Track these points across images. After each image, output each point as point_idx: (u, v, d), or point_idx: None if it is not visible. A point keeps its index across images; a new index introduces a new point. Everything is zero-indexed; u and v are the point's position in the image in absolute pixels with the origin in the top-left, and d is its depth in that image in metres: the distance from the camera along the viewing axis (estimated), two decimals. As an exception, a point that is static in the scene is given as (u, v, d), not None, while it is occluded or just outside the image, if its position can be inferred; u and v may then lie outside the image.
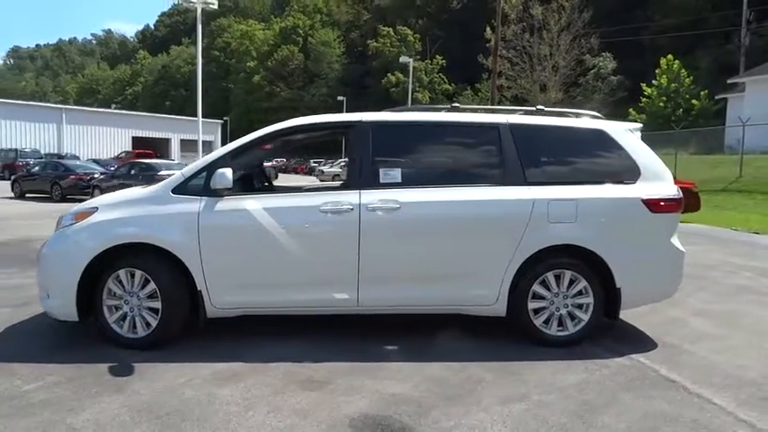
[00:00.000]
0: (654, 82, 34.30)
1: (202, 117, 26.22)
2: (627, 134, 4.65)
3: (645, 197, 4.43)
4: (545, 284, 4.42)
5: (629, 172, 4.55)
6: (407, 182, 4.39)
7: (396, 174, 4.39)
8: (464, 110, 4.91)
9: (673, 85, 33.44)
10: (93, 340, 4.35)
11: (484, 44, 39.84)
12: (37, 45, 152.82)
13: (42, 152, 35.41)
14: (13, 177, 22.72)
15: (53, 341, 4.46)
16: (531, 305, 4.42)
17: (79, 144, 42.03)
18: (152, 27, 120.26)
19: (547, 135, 4.65)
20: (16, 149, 34.22)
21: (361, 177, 4.38)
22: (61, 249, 4.30)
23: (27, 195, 20.19)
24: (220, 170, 4.16)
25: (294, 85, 68.56)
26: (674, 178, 4.71)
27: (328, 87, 65.76)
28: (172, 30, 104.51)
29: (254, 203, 4.27)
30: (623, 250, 4.40)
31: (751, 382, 3.86)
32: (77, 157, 33.88)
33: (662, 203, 4.46)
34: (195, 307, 4.29)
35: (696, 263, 8.80)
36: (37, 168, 21.68)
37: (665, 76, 33.74)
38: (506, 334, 4.61)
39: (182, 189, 4.31)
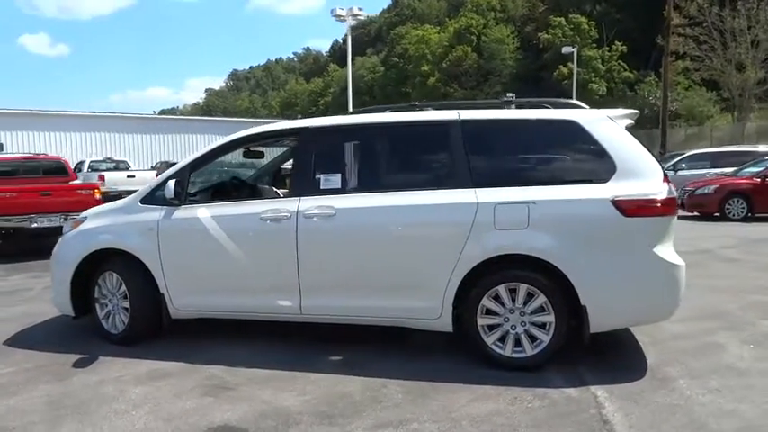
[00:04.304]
0: None
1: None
2: (604, 124, 3.92)
3: (615, 198, 3.70)
4: (498, 299, 3.93)
5: (601, 168, 3.83)
6: (348, 188, 4.23)
7: (336, 180, 4.25)
8: (425, 107, 4.55)
9: None
10: (93, 334, 4.87)
11: (666, 25, 35.67)
12: (250, 67, 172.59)
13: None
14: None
15: (71, 331, 5.08)
16: (482, 321, 3.95)
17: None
18: (340, 41, 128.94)
19: (504, 130, 4.13)
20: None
21: (302, 184, 4.32)
22: (60, 252, 4.94)
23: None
24: (168, 182, 4.43)
25: (468, 84, 68.26)
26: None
27: (502, 84, 64.16)
28: (356, 42, 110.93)
29: (204, 212, 4.45)
30: (588, 262, 3.73)
31: (714, 434, 3.02)
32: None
33: (639, 205, 3.68)
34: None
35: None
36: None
37: None
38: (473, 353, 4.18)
39: (148, 199, 4.66)
